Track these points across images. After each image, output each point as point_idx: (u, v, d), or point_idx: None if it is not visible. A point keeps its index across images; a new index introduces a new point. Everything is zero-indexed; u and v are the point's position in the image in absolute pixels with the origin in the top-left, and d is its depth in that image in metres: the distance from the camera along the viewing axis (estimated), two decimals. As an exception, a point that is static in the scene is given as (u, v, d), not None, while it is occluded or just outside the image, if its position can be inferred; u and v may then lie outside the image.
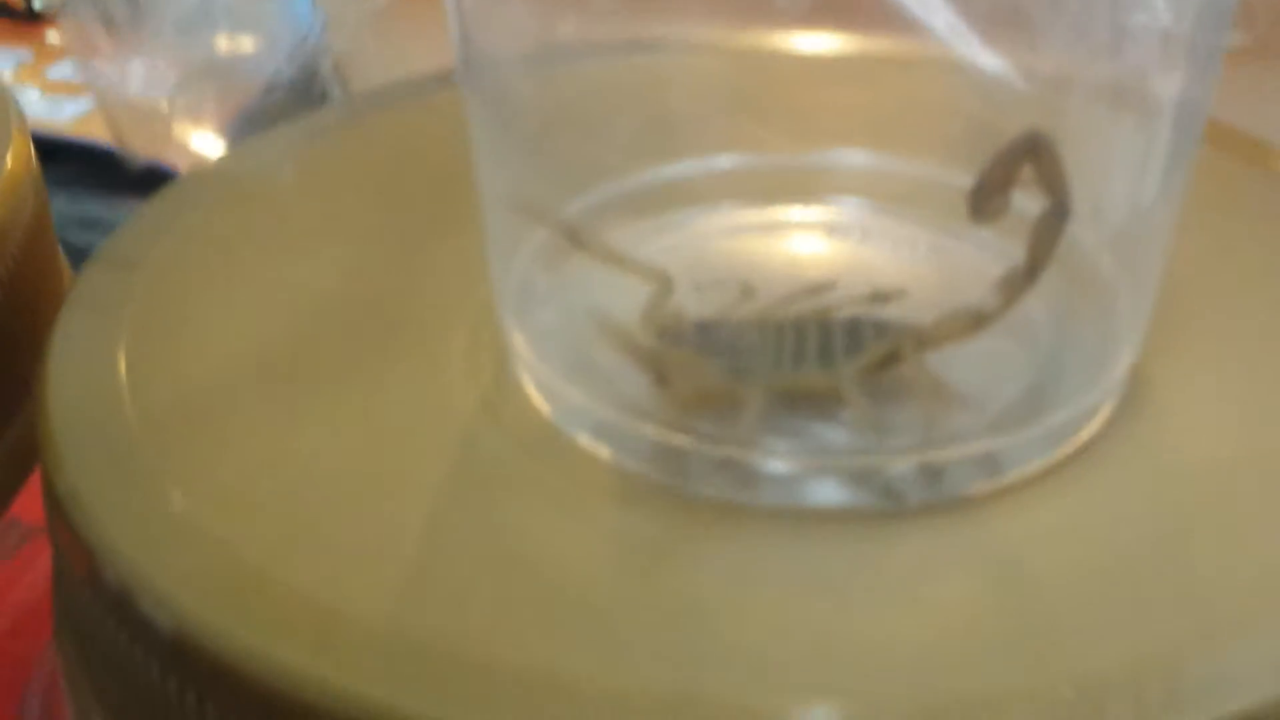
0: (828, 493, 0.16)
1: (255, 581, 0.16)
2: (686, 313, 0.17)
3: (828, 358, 0.17)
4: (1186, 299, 0.18)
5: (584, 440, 0.17)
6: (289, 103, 0.23)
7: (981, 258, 0.19)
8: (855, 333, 0.17)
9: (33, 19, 0.41)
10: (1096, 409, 0.17)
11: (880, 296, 0.17)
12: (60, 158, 0.35)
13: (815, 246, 0.19)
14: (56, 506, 0.17)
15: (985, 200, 0.16)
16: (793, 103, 0.21)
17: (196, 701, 0.16)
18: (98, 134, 0.36)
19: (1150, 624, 0.15)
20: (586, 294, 0.18)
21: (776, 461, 0.16)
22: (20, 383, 0.21)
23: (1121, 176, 0.18)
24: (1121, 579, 0.15)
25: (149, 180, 0.22)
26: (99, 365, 0.18)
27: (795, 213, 0.20)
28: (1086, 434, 0.17)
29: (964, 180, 0.18)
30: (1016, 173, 0.16)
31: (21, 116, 0.22)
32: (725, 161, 0.20)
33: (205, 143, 0.23)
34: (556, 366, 0.17)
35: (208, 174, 0.21)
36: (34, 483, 0.20)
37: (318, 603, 0.15)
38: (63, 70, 0.40)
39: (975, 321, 0.17)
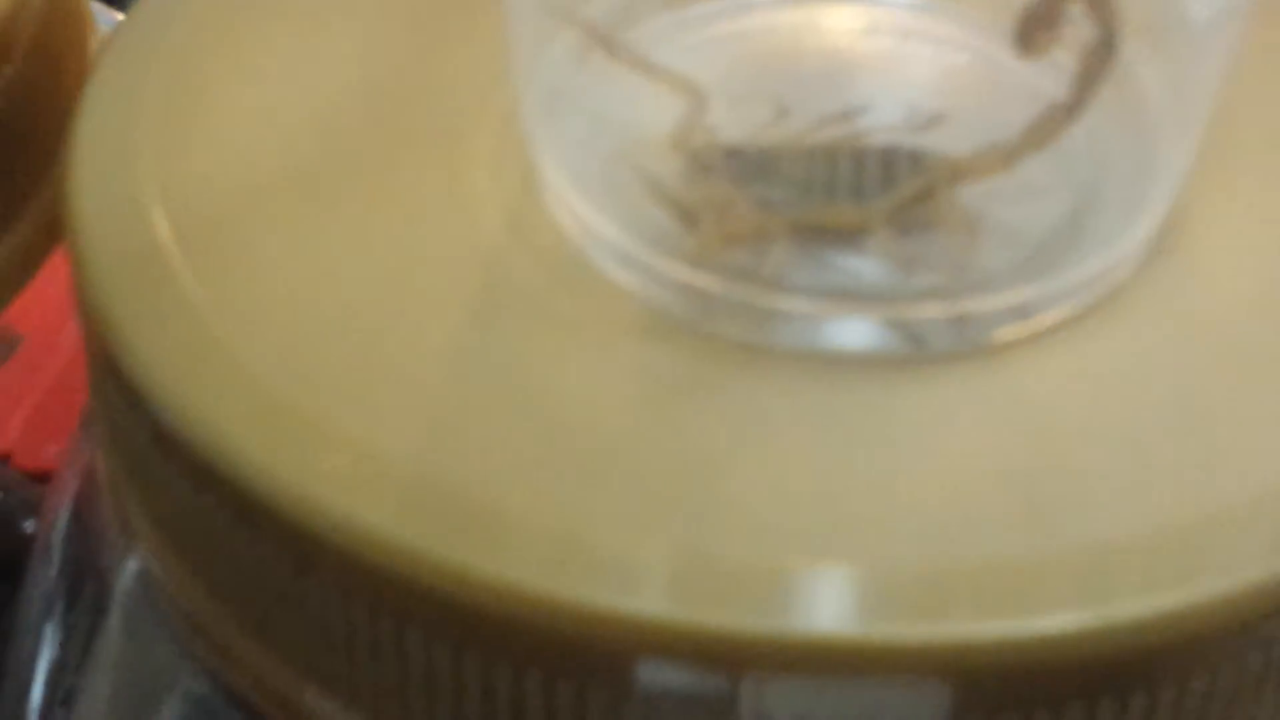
0: (851, 335, 0.16)
1: (270, 404, 0.16)
2: (717, 137, 0.17)
3: (859, 190, 0.16)
4: (1238, 134, 0.17)
5: (610, 270, 0.16)
6: None
7: (1030, 69, 0.18)
8: (889, 163, 0.16)
9: None
10: (1134, 253, 0.16)
11: (917, 124, 0.17)
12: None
13: (855, 51, 0.19)
14: (82, 305, 0.17)
15: (1032, 33, 0.16)
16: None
17: (215, 507, 0.16)
18: None
19: (1170, 489, 0.15)
20: (617, 105, 0.18)
21: (799, 302, 0.16)
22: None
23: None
24: (1146, 438, 0.15)
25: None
26: (122, 160, 0.18)
27: (837, 6, 0.19)
28: (1121, 279, 0.16)
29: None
30: (1064, 3, 0.16)
31: None
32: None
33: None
34: (583, 189, 0.17)
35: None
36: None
37: (327, 428, 0.15)
38: None
39: (1012, 156, 0.16)
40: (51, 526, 0.24)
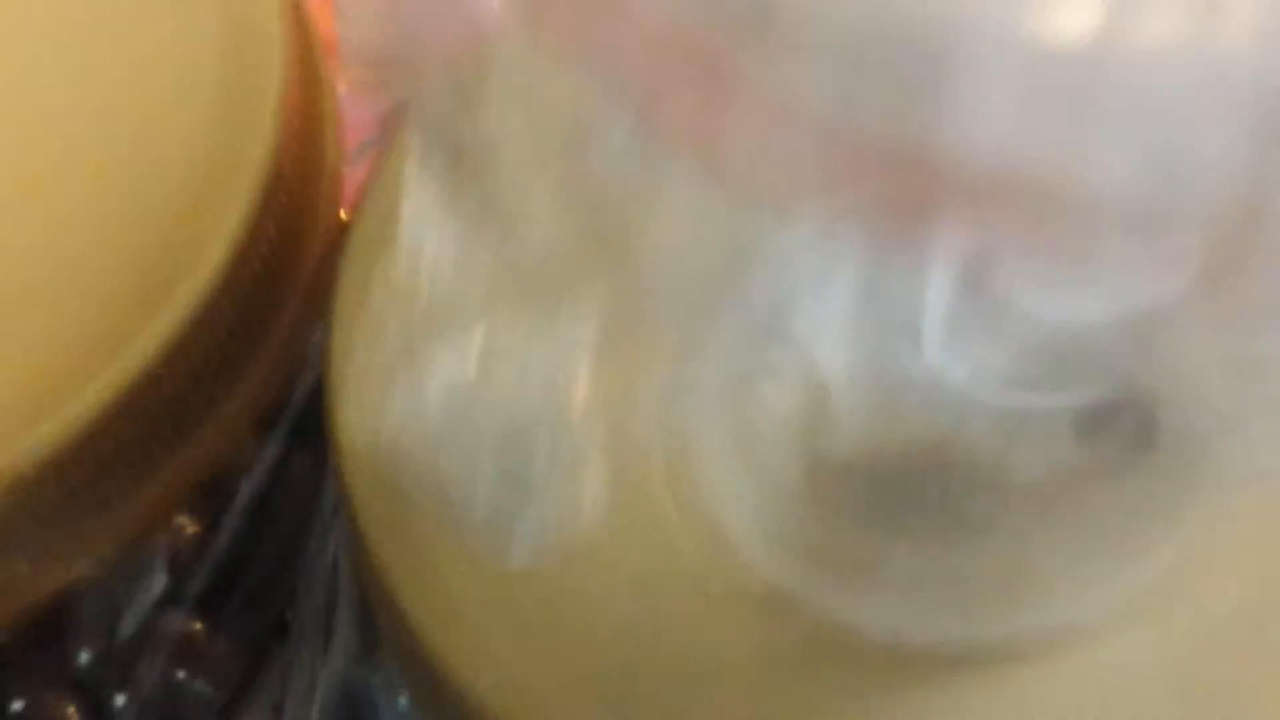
0: (915, 631, 0.21)
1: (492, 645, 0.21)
2: (832, 448, 0.21)
3: (937, 509, 0.21)
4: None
5: (743, 548, 0.21)
6: None
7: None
8: (966, 486, 0.21)
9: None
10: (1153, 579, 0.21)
11: (993, 452, 0.21)
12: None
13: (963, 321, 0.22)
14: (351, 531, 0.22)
15: (1088, 429, 0.20)
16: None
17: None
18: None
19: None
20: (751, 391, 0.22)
21: (875, 601, 0.21)
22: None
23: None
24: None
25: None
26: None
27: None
28: (1139, 596, 0.21)
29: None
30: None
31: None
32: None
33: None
34: (723, 469, 0.21)
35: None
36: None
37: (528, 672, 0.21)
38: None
39: (1053, 500, 0.20)
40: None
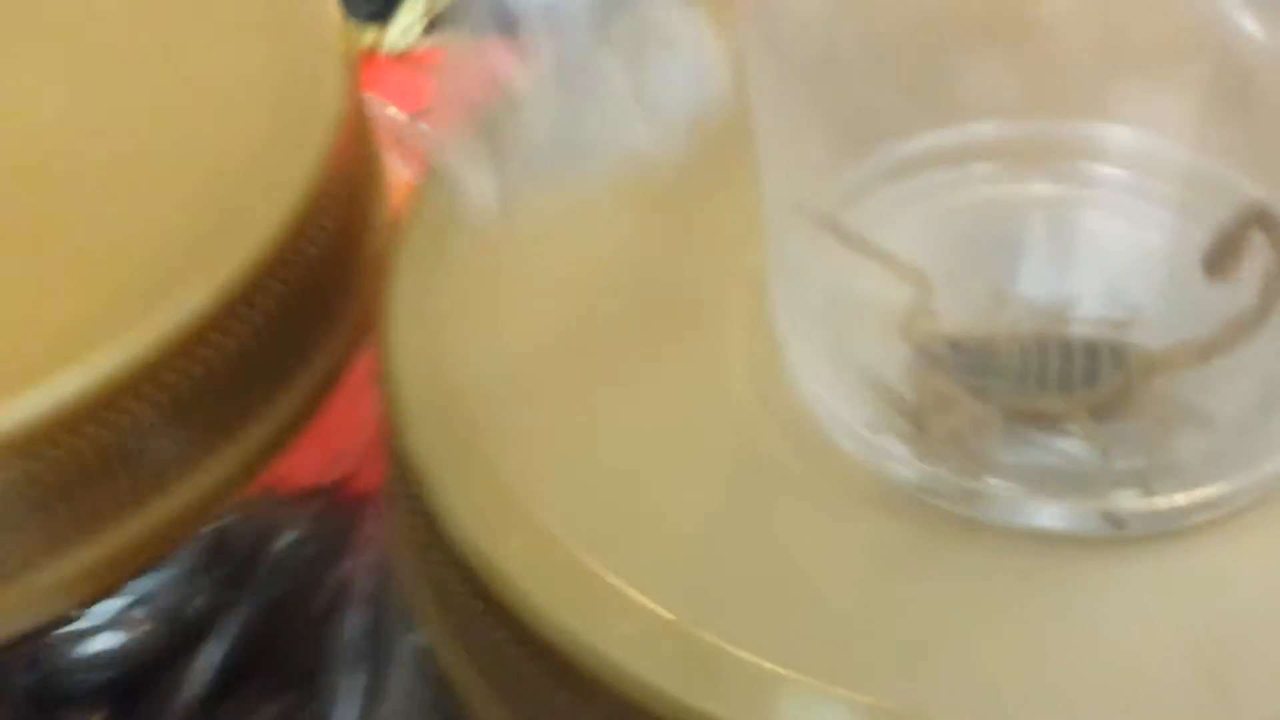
0: (1054, 515, 0.18)
1: (570, 562, 0.18)
2: (940, 327, 0.19)
3: (1066, 381, 0.19)
4: None
5: (844, 443, 0.19)
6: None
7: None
8: (1093, 355, 0.19)
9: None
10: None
11: (1119, 317, 0.19)
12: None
13: (1063, 229, 0.21)
14: (395, 463, 0.20)
15: (1219, 261, 0.18)
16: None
17: (504, 637, 0.19)
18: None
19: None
20: (850, 287, 0.20)
21: (1008, 484, 0.18)
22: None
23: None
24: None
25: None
26: (430, 335, 0.21)
27: (1049, 188, 0.21)
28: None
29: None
30: (1246, 239, 0.18)
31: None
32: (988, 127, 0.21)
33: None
34: (819, 369, 0.19)
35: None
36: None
37: (601, 580, 0.18)
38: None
39: (1203, 355, 0.18)
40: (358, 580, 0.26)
